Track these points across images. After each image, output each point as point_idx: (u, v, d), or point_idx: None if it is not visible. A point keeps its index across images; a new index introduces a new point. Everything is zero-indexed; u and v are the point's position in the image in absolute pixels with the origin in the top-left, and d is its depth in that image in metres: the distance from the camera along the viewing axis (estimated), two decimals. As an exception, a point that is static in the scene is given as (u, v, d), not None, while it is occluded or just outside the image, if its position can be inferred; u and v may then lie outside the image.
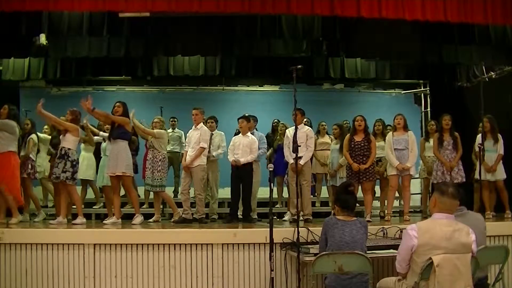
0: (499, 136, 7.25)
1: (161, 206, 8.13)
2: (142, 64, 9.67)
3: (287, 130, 7.26)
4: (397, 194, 7.84)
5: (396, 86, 11.69)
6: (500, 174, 7.20)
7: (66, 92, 10.88)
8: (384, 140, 7.49)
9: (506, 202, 7.22)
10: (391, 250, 4.74)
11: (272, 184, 4.94)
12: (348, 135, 7.12)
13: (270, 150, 8.66)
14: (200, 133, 7.04)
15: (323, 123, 8.97)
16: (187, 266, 5.37)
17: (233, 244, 5.40)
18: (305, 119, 8.10)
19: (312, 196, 8.42)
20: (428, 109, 11.35)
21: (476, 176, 6.99)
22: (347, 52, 9.34)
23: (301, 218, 6.27)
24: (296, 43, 8.79)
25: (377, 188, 8.35)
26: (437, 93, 11.06)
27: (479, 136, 7.20)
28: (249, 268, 5.39)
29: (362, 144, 6.88)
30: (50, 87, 10.82)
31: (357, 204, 5.41)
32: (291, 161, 6.83)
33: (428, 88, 11.42)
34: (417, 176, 8.00)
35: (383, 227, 5.63)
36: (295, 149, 5.43)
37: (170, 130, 9.02)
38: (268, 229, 4.89)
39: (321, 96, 11.17)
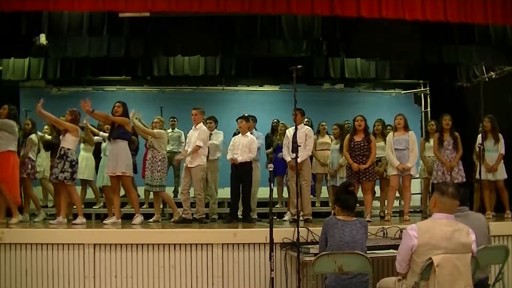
0: (500, 135, 7.25)
1: (161, 206, 8.13)
2: (142, 64, 9.67)
3: (287, 130, 7.26)
4: (397, 194, 7.84)
5: (396, 86, 11.69)
6: (501, 174, 7.20)
7: (66, 92, 10.88)
8: (384, 140, 7.50)
9: (506, 202, 7.22)
10: (391, 250, 4.74)
11: (272, 184, 4.95)
12: (348, 135, 7.12)
13: (270, 150, 8.67)
14: (199, 132, 7.05)
15: (323, 123, 8.97)
16: (187, 266, 5.37)
17: (233, 244, 5.40)
18: (305, 119, 8.11)
19: (312, 196, 8.42)
20: (428, 109, 11.35)
21: (478, 176, 6.99)
22: (347, 52, 9.34)
23: (301, 218, 6.27)
24: (296, 43, 8.79)
25: (377, 188, 8.36)
26: (437, 93, 11.06)
27: (479, 136, 7.20)
28: (249, 268, 5.39)
29: (362, 144, 6.88)
30: (50, 87, 10.82)
31: (357, 204, 5.40)
32: (288, 158, 6.89)
33: (428, 88, 11.41)
34: (417, 176, 7.99)
35: (383, 227, 5.63)
36: (295, 149, 5.43)
37: (170, 130, 9.02)
38: (268, 229, 4.89)
39: (321, 96, 11.17)
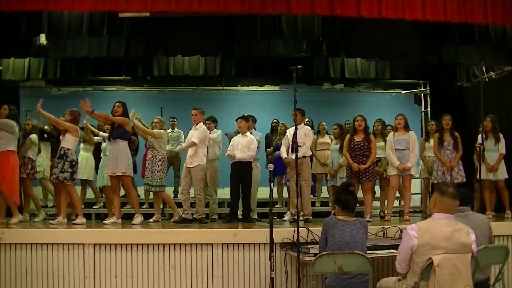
0: (501, 135, 7.25)
1: (161, 206, 8.13)
2: (142, 64, 9.67)
3: (287, 130, 7.27)
4: (397, 194, 7.84)
5: (396, 86, 11.68)
6: (502, 173, 7.20)
7: (66, 92, 10.87)
8: (384, 140, 7.51)
9: (506, 202, 7.22)
10: (391, 250, 4.74)
11: (272, 184, 4.95)
12: (348, 135, 7.12)
13: (270, 149, 8.68)
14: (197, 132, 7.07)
15: (323, 123, 8.97)
16: (187, 266, 5.37)
17: (233, 244, 5.40)
18: (306, 119, 8.11)
19: (312, 196, 8.43)
20: (428, 109, 11.35)
21: (479, 176, 6.99)
22: (347, 52, 9.34)
23: (301, 218, 6.27)
24: (296, 43, 8.78)
25: (377, 188, 8.36)
26: (437, 93, 11.06)
27: (480, 136, 7.20)
28: (249, 268, 5.39)
29: (362, 144, 6.89)
30: (50, 87, 10.81)
31: (357, 204, 5.41)
32: (284, 155, 6.96)
33: (428, 88, 11.41)
34: (417, 176, 7.99)
35: (383, 227, 5.63)
36: (295, 149, 5.43)
37: (169, 130, 9.02)
38: (268, 229, 4.89)
39: (321, 96, 11.17)
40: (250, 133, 7.55)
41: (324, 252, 4.20)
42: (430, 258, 3.45)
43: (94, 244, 5.38)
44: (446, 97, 10.32)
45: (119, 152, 6.63)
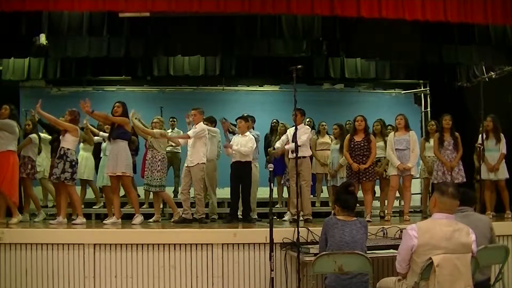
0: (502, 135, 7.25)
1: (161, 206, 8.13)
2: (142, 64, 9.67)
3: (288, 130, 7.28)
4: (397, 194, 7.84)
5: (396, 86, 11.68)
6: (503, 173, 7.20)
7: (66, 92, 10.87)
8: (383, 140, 7.52)
9: (506, 202, 7.22)
10: (391, 250, 4.74)
11: (272, 184, 4.95)
12: (348, 135, 7.12)
13: (270, 149, 8.68)
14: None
15: (323, 123, 8.97)
16: (187, 266, 5.37)
17: (233, 244, 5.40)
18: (307, 120, 8.10)
19: (312, 196, 8.43)
20: (428, 109, 11.35)
21: (482, 176, 6.99)
22: (347, 52, 9.33)
23: (301, 218, 6.27)
24: (296, 43, 8.78)
25: (377, 188, 8.35)
26: (437, 93, 11.06)
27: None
28: (249, 268, 5.39)
29: (362, 144, 6.89)
30: (50, 87, 10.81)
31: (357, 204, 5.41)
32: (278, 145, 7.08)
33: (428, 88, 11.41)
34: (417, 176, 8.00)
35: (383, 227, 5.63)
36: (296, 149, 5.43)
37: (169, 130, 9.02)
38: (268, 229, 4.89)
39: (321, 96, 11.17)
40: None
41: (324, 252, 4.20)
42: (430, 258, 3.45)
43: (94, 244, 5.38)
44: (446, 97, 10.32)
45: (119, 152, 6.63)
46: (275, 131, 8.81)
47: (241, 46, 8.80)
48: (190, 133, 7.02)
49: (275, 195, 8.76)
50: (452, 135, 7.10)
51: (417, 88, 11.56)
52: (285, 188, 8.47)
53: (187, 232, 5.69)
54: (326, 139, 8.78)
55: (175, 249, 5.38)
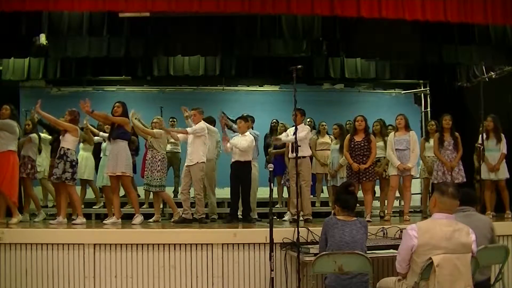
0: (502, 135, 7.25)
1: (161, 206, 8.13)
2: (142, 64, 9.67)
3: (288, 130, 7.28)
4: (397, 194, 7.84)
5: (396, 86, 11.68)
6: (503, 173, 7.20)
7: (66, 92, 10.87)
8: (383, 140, 7.52)
9: (506, 202, 7.22)
10: (391, 250, 4.74)
11: (272, 184, 4.95)
12: (348, 135, 7.12)
13: (271, 148, 8.68)
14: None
15: (323, 123, 8.97)
16: (187, 266, 5.37)
17: (233, 244, 5.40)
18: (308, 120, 8.08)
19: (312, 196, 8.42)
20: (428, 109, 11.35)
21: (482, 176, 6.99)
22: (347, 52, 9.33)
23: (301, 218, 6.27)
24: (296, 43, 8.78)
25: (377, 188, 8.35)
26: (437, 93, 11.06)
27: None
28: (249, 268, 5.39)
29: (362, 144, 6.89)
30: (50, 87, 10.81)
31: (357, 204, 5.41)
32: (282, 137, 7.12)
33: (428, 88, 11.41)
34: (417, 176, 8.00)
35: (383, 227, 5.63)
36: (296, 149, 5.43)
37: (169, 130, 9.00)
38: (268, 229, 4.89)
39: (321, 96, 11.17)
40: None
41: (324, 252, 4.20)
42: (430, 258, 3.45)
43: (94, 244, 5.38)
44: (446, 97, 10.32)
45: (119, 152, 6.63)
46: (275, 131, 8.81)
47: (241, 46, 8.80)
48: (189, 129, 7.02)
49: (275, 195, 8.76)
50: (452, 135, 7.10)
51: (417, 88, 11.56)
52: (285, 188, 8.47)
53: (187, 232, 5.69)
54: (326, 139, 8.78)
55: (175, 249, 5.38)
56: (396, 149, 6.97)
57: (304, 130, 6.91)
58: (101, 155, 8.27)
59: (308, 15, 7.71)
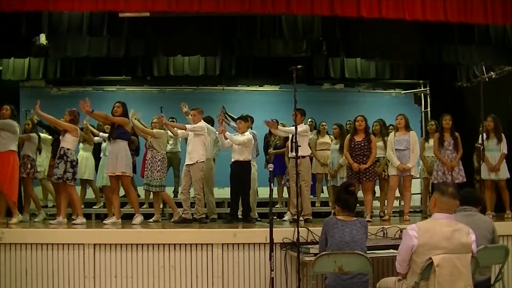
0: (503, 135, 7.25)
1: (161, 206, 8.13)
2: (142, 64, 9.66)
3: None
4: (397, 194, 7.84)
5: (396, 86, 11.68)
6: (504, 173, 7.19)
7: (66, 92, 10.87)
8: (382, 140, 7.52)
9: (506, 202, 7.22)
10: (391, 250, 4.74)
11: (272, 184, 4.94)
12: (348, 135, 7.12)
13: (271, 149, 8.67)
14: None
15: (323, 123, 8.97)
16: (187, 266, 5.37)
17: (233, 244, 5.40)
18: (309, 120, 8.07)
19: (312, 196, 8.42)
20: (428, 109, 11.35)
21: (482, 176, 6.98)
22: (347, 52, 9.33)
23: (301, 218, 6.27)
24: (296, 43, 8.77)
25: (377, 188, 8.35)
26: (437, 93, 11.06)
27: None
28: (249, 268, 5.39)
29: (363, 144, 6.89)
30: (50, 87, 10.81)
31: (357, 204, 5.41)
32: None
33: (428, 88, 11.41)
34: (417, 176, 8.00)
35: (383, 227, 5.63)
36: (296, 149, 5.43)
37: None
38: (268, 229, 4.89)
39: (321, 96, 11.16)
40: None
41: (324, 252, 4.20)
42: (430, 258, 3.45)
43: (94, 244, 5.38)
44: (446, 97, 10.32)
45: (119, 152, 6.63)
46: (275, 131, 8.80)
47: (241, 46, 8.79)
48: (188, 126, 7.02)
49: (275, 195, 8.76)
50: (452, 135, 7.09)
51: (417, 88, 11.56)
52: (285, 188, 8.47)
53: (187, 232, 5.69)
54: (326, 139, 8.78)
55: (175, 249, 5.39)
56: (396, 149, 6.97)
57: (302, 127, 6.91)
58: (101, 155, 8.27)
59: (308, 15, 7.70)
